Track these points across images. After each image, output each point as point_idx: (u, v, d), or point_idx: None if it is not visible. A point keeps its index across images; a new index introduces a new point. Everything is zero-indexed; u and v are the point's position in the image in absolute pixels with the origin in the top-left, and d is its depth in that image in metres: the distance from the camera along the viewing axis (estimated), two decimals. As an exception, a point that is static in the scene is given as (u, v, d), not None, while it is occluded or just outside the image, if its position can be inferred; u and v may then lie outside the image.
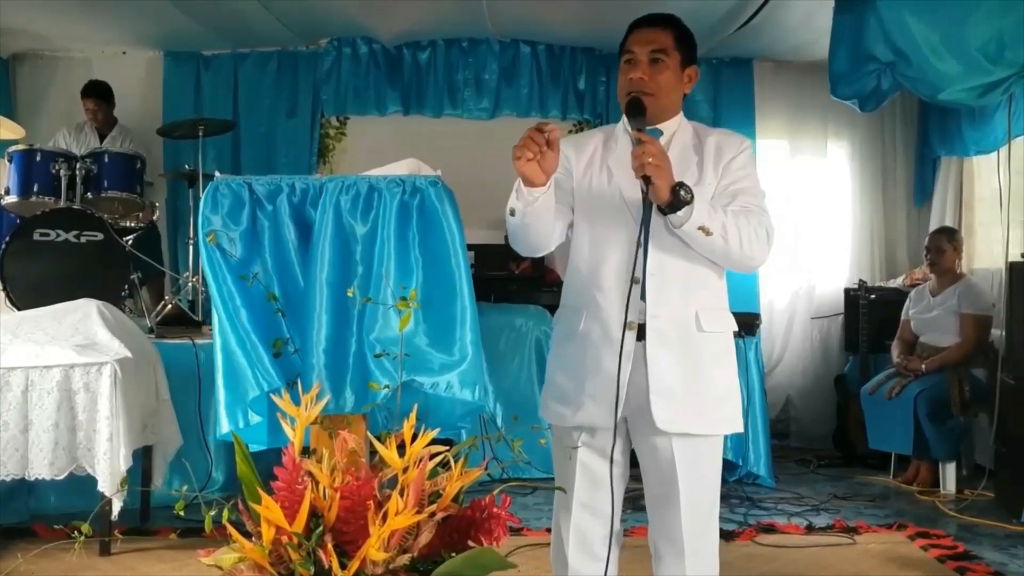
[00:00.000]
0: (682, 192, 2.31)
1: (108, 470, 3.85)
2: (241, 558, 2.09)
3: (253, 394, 2.34)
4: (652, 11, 2.63)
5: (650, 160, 2.29)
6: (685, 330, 2.44)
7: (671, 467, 2.46)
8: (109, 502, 3.88)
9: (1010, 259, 5.23)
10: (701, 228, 2.36)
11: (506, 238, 6.36)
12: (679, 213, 2.34)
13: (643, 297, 2.44)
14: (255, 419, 2.39)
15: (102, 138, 6.64)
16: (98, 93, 6.63)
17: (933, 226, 6.46)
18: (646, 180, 2.30)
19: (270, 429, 2.46)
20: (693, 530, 2.51)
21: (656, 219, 2.41)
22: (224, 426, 2.40)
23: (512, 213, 2.39)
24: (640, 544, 4.27)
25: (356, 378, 2.37)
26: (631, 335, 2.40)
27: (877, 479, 5.78)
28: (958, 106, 5.69)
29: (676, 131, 2.58)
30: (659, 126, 2.56)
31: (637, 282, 2.42)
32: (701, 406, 2.47)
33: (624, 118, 2.58)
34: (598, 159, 2.58)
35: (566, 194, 2.54)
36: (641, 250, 2.40)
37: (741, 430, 2.60)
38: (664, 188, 2.31)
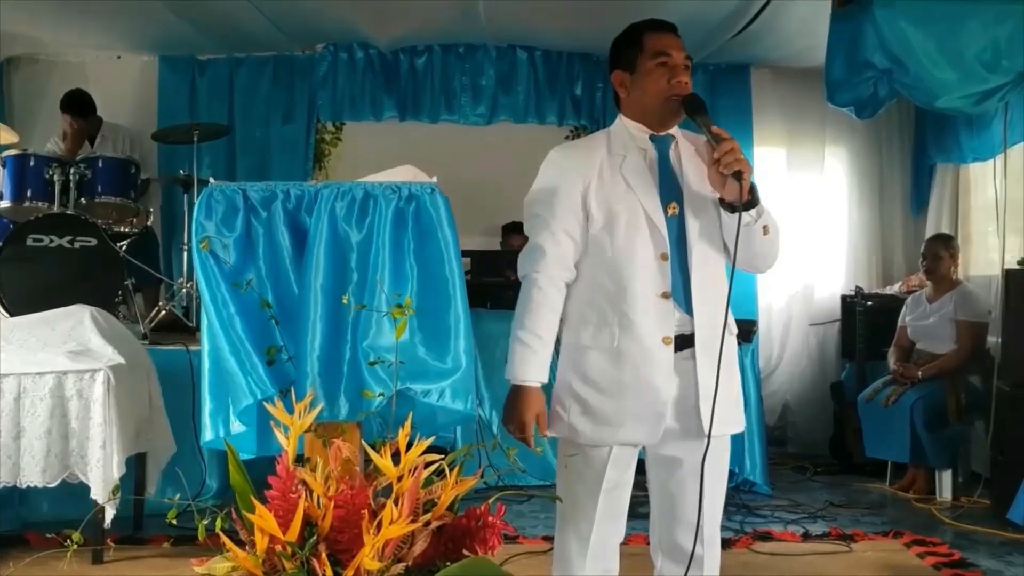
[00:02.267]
0: (756, 190, 2.35)
1: (101, 477, 3.83)
2: (234, 567, 2.07)
3: (246, 402, 2.32)
4: (651, 16, 2.63)
5: (741, 156, 2.31)
6: (718, 336, 2.44)
7: (695, 470, 2.44)
8: (102, 510, 3.86)
9: (1006, 266, 5.23)
10: (765, 226, 2.41)
11: (502, 243, 6.31)
12: (752, 211, 2.37)
13: (688, 311, 2.45)
14: (238, 428, 2.37)
15: (92, 140, 6.59)
16: (73, 108, 6.48)
17: (929, 233, 6.46)
18: (737, 176, 2.31)
19: (259, 437, 2.44)
20: (712, 530, 2.56)
21: (693, 228, 2.46)
22: (207, 434, 2.39)
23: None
24: (639, 552, 4.26)
25: (350, 386, 2.35)
26: (669, 348, 2.43)
27: (873, 487, 5.76)
28: (955, 113, 5.69)
29: (679, 137, 2.59)
30: (671, 131, 2.57)
31: (667, 296, 2.44)
32: (732, 407, 2.52)
33: (626, 122, 2.60)
34: (608, 170, 2.52)
35: (579, 220, 2.51)
36: (669, 263, 2.44)
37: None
38: (747, 184, 2.32)
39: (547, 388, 2.57)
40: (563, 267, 2.50)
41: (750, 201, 2.35)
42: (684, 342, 2.45)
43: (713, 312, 2.45)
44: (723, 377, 2.41)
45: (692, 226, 2.47)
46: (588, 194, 2.50)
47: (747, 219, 2.37)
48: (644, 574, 3.37)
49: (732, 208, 2.36)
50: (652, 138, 2.56)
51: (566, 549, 2.59)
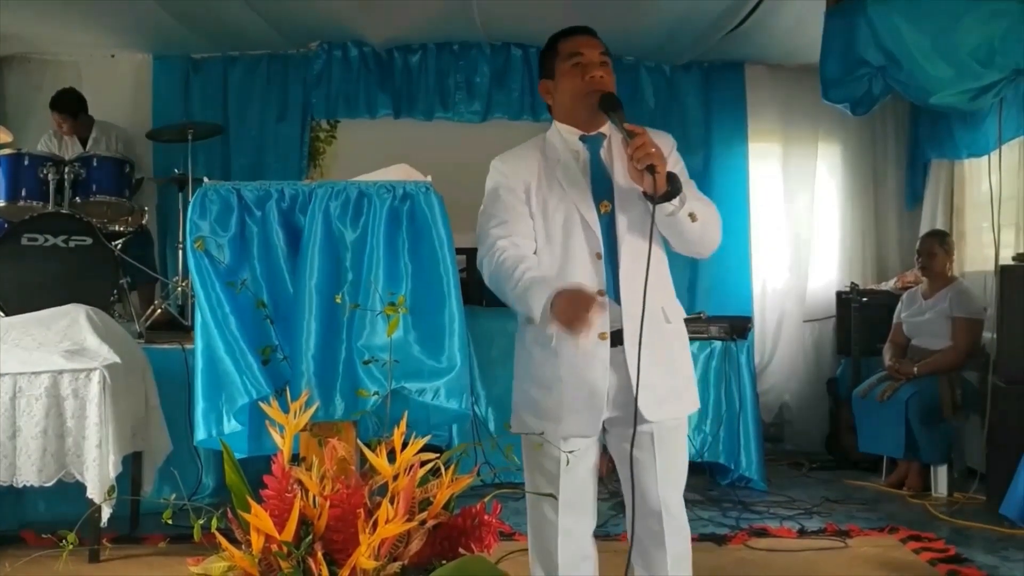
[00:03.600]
0: (675, 180, 2.41)
1: (97, 477, 3.83)
2: (230, 567, 2.07)
3: (242, 401, 2.33)
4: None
5: (653, 150, 2.37)
6: (656, 326, 2.53)
7: (650, 452, 2.57)
8: (98, 509, 3.85)
9: (1001, 263, 5.24)
10: (691, 214, 2.45)
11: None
12: (675, 201, 2.41)
13: (619, 302, 2.52)
14: (231, 428, 2.37)
15: (83, 141, 6.58)
16: (62, 106, 6.50)
17: (924, 229, 6.47)
18: (651, 170, 2.36)
19: (252, 436, 2.44)
20: (671, 504, 2.64)
21: (622, 225, 2.54)
22: (199, 433, 2.39)
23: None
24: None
25: (345, 385, 2.36)
26: (605, 343, 2.52)
27: (869, 483, 5.77)
28: (949, 110, 5.70)
29: (610, 134, 2.65)
30: (602, 129, 2.65)
31: (602, 294, 2.50)
32: (675, 392, 2.62)
33: (558, 126, 2.69)
34: (544, 175, 2.62)
35: (526, 210, 2.61)
36: (603, 261, 2.53)
37: (698, 406, 2.77)
38: (663, 177, 2.38)
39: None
40: (516, 237, 2.57)
41: (670, 191, 2.40)
42: (620, 337, 2.53)
43: (649, 302, 2.46)
44: (662, 364, 2.54)
45: (622, 222, 2.55)
46: (529, 197, 2.61)
47: (670, 208, 2.42)
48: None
49: (652, 199, 2.41)
50: (582, 139, 2.64)
51: (539, 537, 2.70)
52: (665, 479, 2.61)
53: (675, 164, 2.59)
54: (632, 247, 2.53)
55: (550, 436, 2.53)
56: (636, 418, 2.45)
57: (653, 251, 2.45)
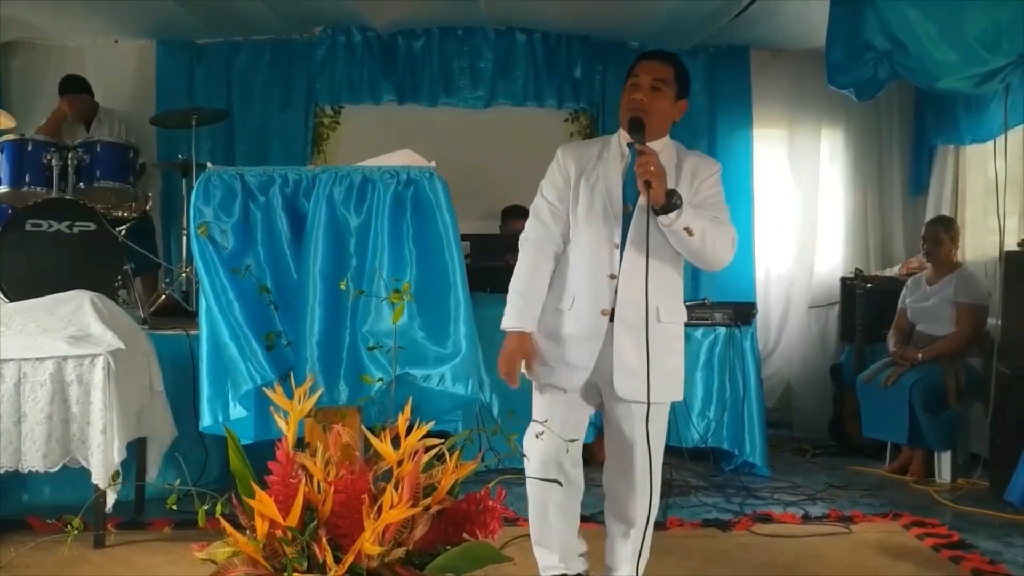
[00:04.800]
0: (675, 197, 2.81)
1: (102, 462, 3.83)
2: (235, 552, 2.08)
3: (246, 387, 2.33)
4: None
5: (652, 168, 2.78)
6: (645, 319, 2.91)
7: (630, 425, 3.07)
8: (103, 495, 3.86)
9: (1006, 248, 5.22)
10: (686, 228, 2.84)
11: (501, 227, 6.36)
12: (671, 214, 2.81)
13: (616, 290, 2.97)
14: (237, 413, 2.37)
15: (87, 126, 6.58)
16: (72, 87, 6.51)
17: (929, 216, 6.45)
18: (647, 185, 2.78)
19: (258, 422, 2.44)
20: (643, 475, 3.05)
21: (637, 224, 2.94)
22: (205, 419, 2.39)
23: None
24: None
25: (350, 371, 2.36)
26: (605, 319, 2.97)
27: (873, 469, 5.77)
28: (955, 95, 5.67)
29: (660, 151, 2.98)
30: (649, 144, 2.97)
31: (613, 277, 2.97)
32: (653, 381, 2.91)
33: (621, 131, 3.08)
34: (591, 167, 3.07)
35: (564, 204, 3.08)
36: (618, 250, 2.96)
37: (681, 398, 3.18)
38: (661, 192, 2.79)
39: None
40: (549, 239, 3.07)
41: (667, 206, 2.81)
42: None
43: (639, 295, 2.91)
44: (644, 353, 2.87)
45: (636, 223, 2.95)
46: (579, 184, 3.06)
47: (667, 220, 2.83)
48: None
49: (654, 211, 2.84)
50: (629, 145, 3.03)
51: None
52: (642, 452, 3.02)
53: (712, 187, 3.03)
54: (641, 244, 2.90)
55: (545, 379, 3.05)
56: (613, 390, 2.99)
57: (663, 257, 2.95)
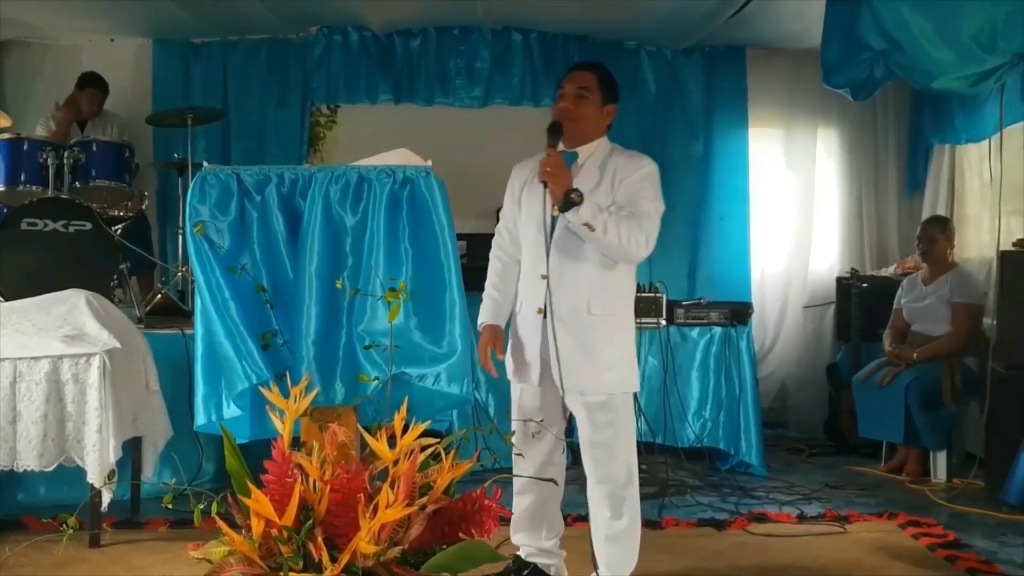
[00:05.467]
0: (572, 195, 2.99)
1: (97, 462, 3.83)
2: (231, 551, 2.08)
3: (242, 386, 2.32)
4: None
5: (548, 169, 3.04)
6: (577, 314, 3.17)
7: (579, 417, 3.25)
8: (99, 494, 3.86)
9: (1002, 248, 5.23)
10: (586, 224, 3.01)
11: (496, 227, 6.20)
12: (570, 211, 3.00)
13: (548, 289, 3.18)
14: (231, 413, 2.37)
15: (82, 126, 6.57)
16: (95, 83, 6.52)
17: (925, 215, 6.45)
18: (545, 184, 3.05)
19: (253, 421, 2.44)
20: (592, 468, 3.24)
21: (560, 226, 3.14)
22: (200, 418, 2.39)
23: None
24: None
25: (346, 370, 2.36)
26: (540, 317, 3.19)
27: (868, 468, 5.78)
28: (951, 94, 5.68)
29: (592, 154, 3.29)
30: (578, 148, 3.29)
31: (544, 277, 3.18)
32: (592, 373, 3.18)
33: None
34: (531, 178, 3.29)
35: (513, 219, 3.41)
36: (545, 251, 3.16)
37: (633, 390, 3.33)
38: (558, 191, 3.01)
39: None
40: (503, 250, 3.45)
41: (567, 203, 2.99)
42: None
43: (575, 293, 3.18)
44: (580, 346, 3.16)
45: (559, 226, 3.16)
46: (522, 196, 3.37)
47: (569, 218, 3.02)
48: (641, 555, 3.39)
49: (559, 209, 3.04)
50: (563, 153, 3.22)
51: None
52: (594, 441, 3.22)
53: (634, 184, 3.20)
54: (561, 245, 3.17)
55: (511, 373, 3.34)
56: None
57: (586, 254, 3.16)
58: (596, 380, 3.19)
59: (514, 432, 3.12)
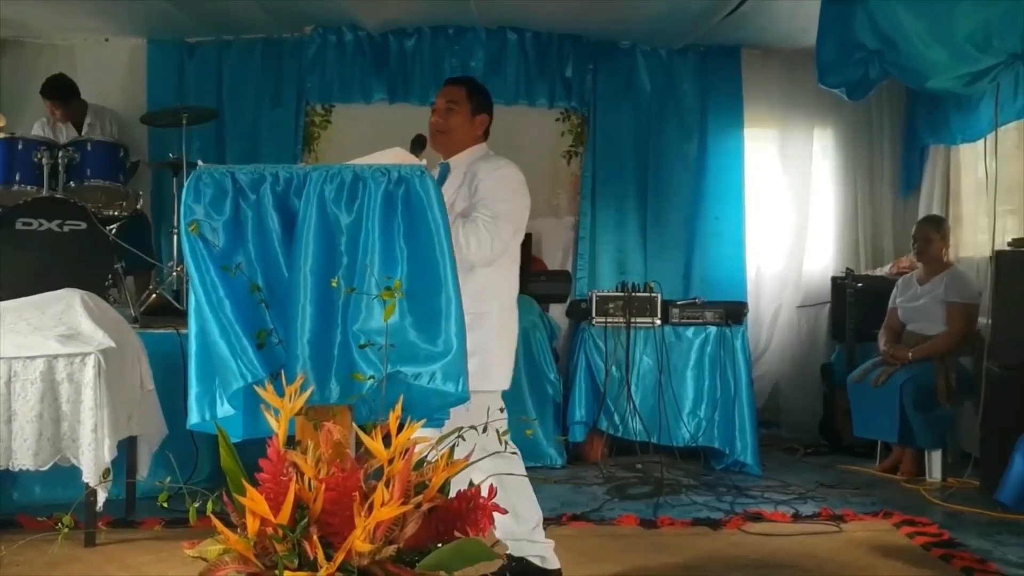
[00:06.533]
0: None
1: (93, 461, 3.83)
2: (226, 550, 2.08)
3: (236, 385, 2.32)
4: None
5: None
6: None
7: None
8: (94, 493, 3.86)
9: (997, 248, 5.24)
10: None
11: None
12: None
13: None
14: (225, 411, 2.37)
15: (78, 127, 6.56)
16: (53, 93, 6.47)
17: (920, 215, 6.47)
18: None
19: (247, 420, 2.44)
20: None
21: None
22: (193, 417, 2.39)
23: None
24: (625, 533, 4.29)
25: (341, 369, 2.35)
26: None
27: (863, 468, 5.79)
28: (945, 94, 5.68)
29: (462, 161, 3.47)
30: (451, 159, 3.50)
31: None
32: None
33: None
34: None
35: None
36: None
37: (488, 388, 3.21)
38: None
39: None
40: None
41: None
42: None
43: None
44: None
45: None
46: None
47: None
48: (636, 554, 3.40)
49: None
50: (440, 163, 3.49)
51: None
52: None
53: (484, 188, 3.32)
54: None
55: None
56: None
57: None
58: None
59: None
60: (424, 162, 3.17)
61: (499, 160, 3.47)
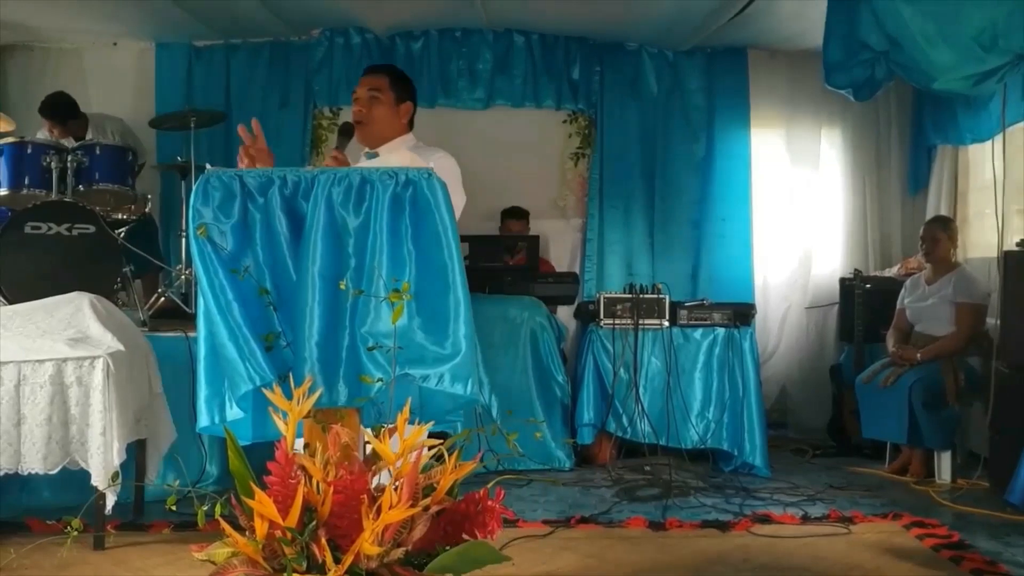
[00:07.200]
0: None
1: (101, 464, 3.83)
2: (234, 552, 2.08)
3: (245, 388, 2.32)
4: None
5: (327, 163, 3.11)
6: None
7: None
8: (102, 496, 3.86)
9: (1005, 248, 5.22)
10: None
11: (500, 228, 6.45)
12: None
13: None
14: (234, 414, 2.37)
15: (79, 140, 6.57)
16: (50, 113, 6.49)
17: (928, 215, 6.45)
18: None
19: (256, 423, 2.44)
20: None
21: None
22: (202, 420, 2.39)
23: None
24: (634, 535, 4.29)
25: (349, 372, 2.35)
26: None
27: (872, 469, 5.77)
28: (952, 95, 5.67)
29: (393, 151, 3.42)
30: (378, 148, 3.48)
31: None
32: None
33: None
34: None
35: None
36: None
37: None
38: None
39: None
40: None
41: None
42: None
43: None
44: None
45: None
46: None
47: None
48: (645, 556, 3.39)
49: None
50: (366, 153, 3.48)
51: None
52: None
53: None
54: None
55: None
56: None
57: None
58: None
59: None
60: (365, 151, 3.22)
61: (435, 150, 3.46)
